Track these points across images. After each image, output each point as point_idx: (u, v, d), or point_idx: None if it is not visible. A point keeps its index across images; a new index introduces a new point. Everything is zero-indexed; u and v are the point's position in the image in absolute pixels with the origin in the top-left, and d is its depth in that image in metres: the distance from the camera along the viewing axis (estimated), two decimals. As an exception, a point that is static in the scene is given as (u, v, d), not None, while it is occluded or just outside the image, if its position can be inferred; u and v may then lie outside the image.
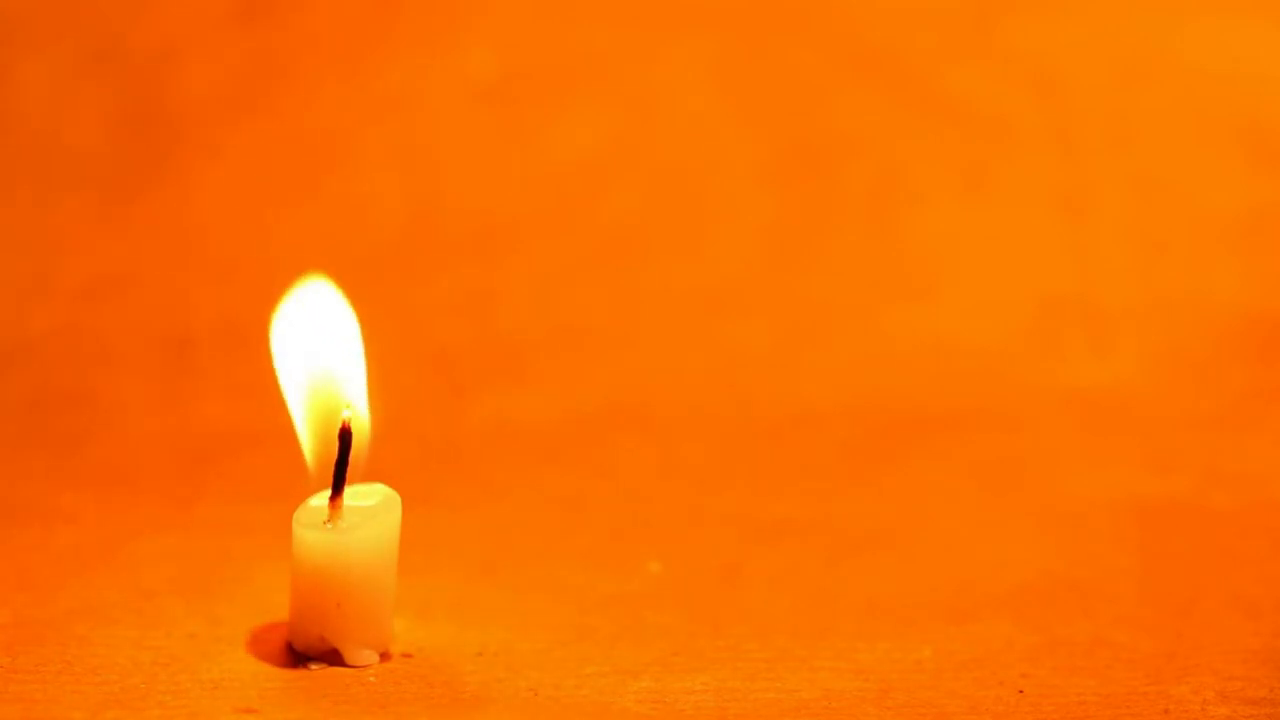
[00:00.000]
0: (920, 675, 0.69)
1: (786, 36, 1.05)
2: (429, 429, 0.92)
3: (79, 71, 1.02)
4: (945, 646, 0.71)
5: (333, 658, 0.69)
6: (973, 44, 1.05)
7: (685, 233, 1.02)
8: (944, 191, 1.03)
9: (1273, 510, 0.85)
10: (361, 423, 0.70)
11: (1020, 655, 0.71)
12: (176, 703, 0.65)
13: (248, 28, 1.03)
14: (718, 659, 0.70)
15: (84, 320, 0.97)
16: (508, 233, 1.01)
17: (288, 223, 1.00)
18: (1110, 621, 0.74)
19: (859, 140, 1.04)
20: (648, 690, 0.68)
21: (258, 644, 0.70)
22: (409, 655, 0.70)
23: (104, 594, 0.73)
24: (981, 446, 0.91)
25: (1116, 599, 0.76)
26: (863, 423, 0.94)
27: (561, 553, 0.80)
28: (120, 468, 0.88)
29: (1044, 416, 0.94)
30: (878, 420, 0.94)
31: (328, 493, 0.69)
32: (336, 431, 0.69)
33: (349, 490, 0.69)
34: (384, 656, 0.69)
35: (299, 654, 0.69)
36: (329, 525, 0.68)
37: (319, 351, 0.70)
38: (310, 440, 0.70)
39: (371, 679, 0.68)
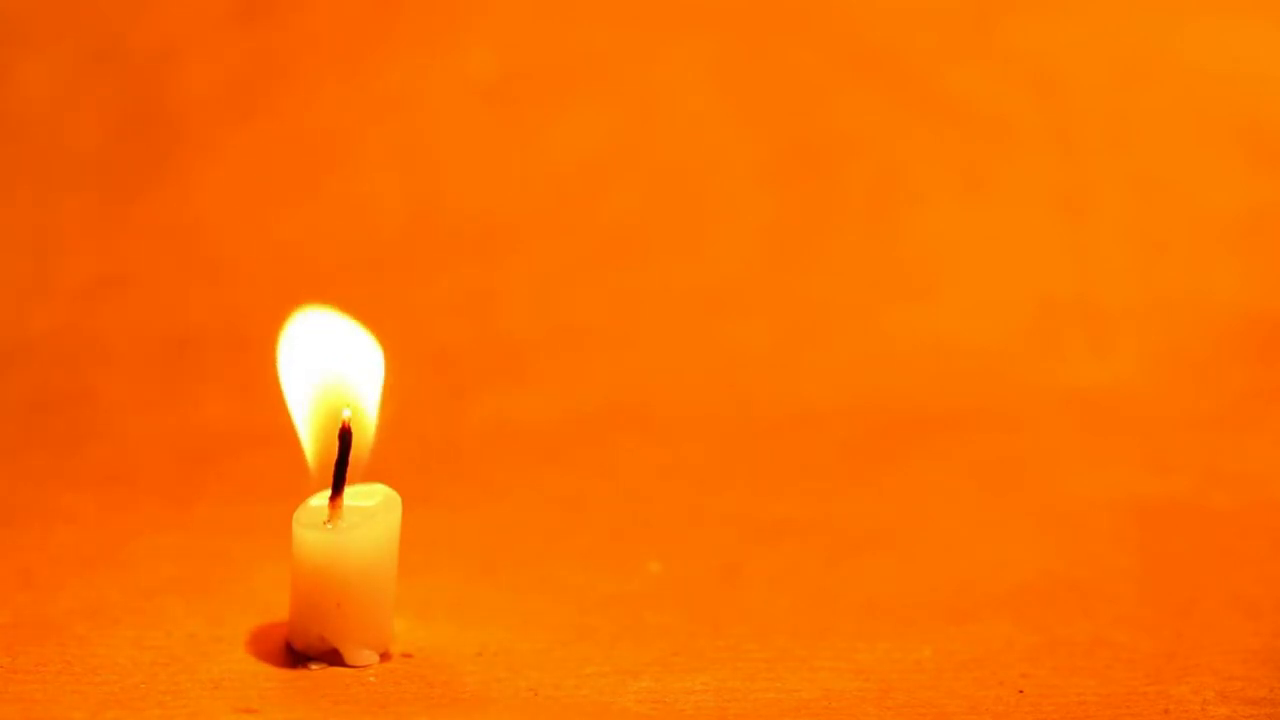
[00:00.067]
0: (920, 675, 0.69)
1: (786, 36, 1.05)
2: (429, 429, 0.92)
3: (79, 71, 1.02)
4: (945, 646, 0.71)
5: (333, 658, 0.69)
6: (973, 44, 1.05)
7: (685, 233, 1.02)
8: (944, 191, 1.03)
9: (1273, 510, 0.85)
10: (365, 425, 0.70)
11: (1020, 655, 0.71)
12: (176, 703, 0.65)
13: (248, 28, 1.03)
14: (718, 659, 0.70)
15: (84, 320, 0.97)
16: (508, 233, 1.01)
17: (288, 223, 1.00)
18: (1110, 621, 0.74)
19: (859, 140, 1.04)
20: (648, 690, 0.68)
21: (258, 644, 0.70)
22: (409, 655, 0.70)
23: (104, 594, 0.73)
24: (981, 446, 0.91)
25: (1116, 599, 0.76)
26: (863, 423, 0.94)
27: (561, 553, 0.80)
28: (120, 468, 0.88)
29: (1044, 416, 0.94)
30: (878, 420, 0.94)
31: (328, 493, 0.69)
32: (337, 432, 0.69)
33: (349, 490, 0.69)
34: (384, 656, 0.69)
35: (299, 654, 0.69)
36: (329, 525, 0.68)
37: (327, 353, 0.70)
38: (311, 440, 0.70)
39: (371, 679, 0.68)
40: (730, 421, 0.94)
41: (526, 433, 0.92)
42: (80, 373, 0.94)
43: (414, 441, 0.90)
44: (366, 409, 0.70)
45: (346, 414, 0.69)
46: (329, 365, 0.70)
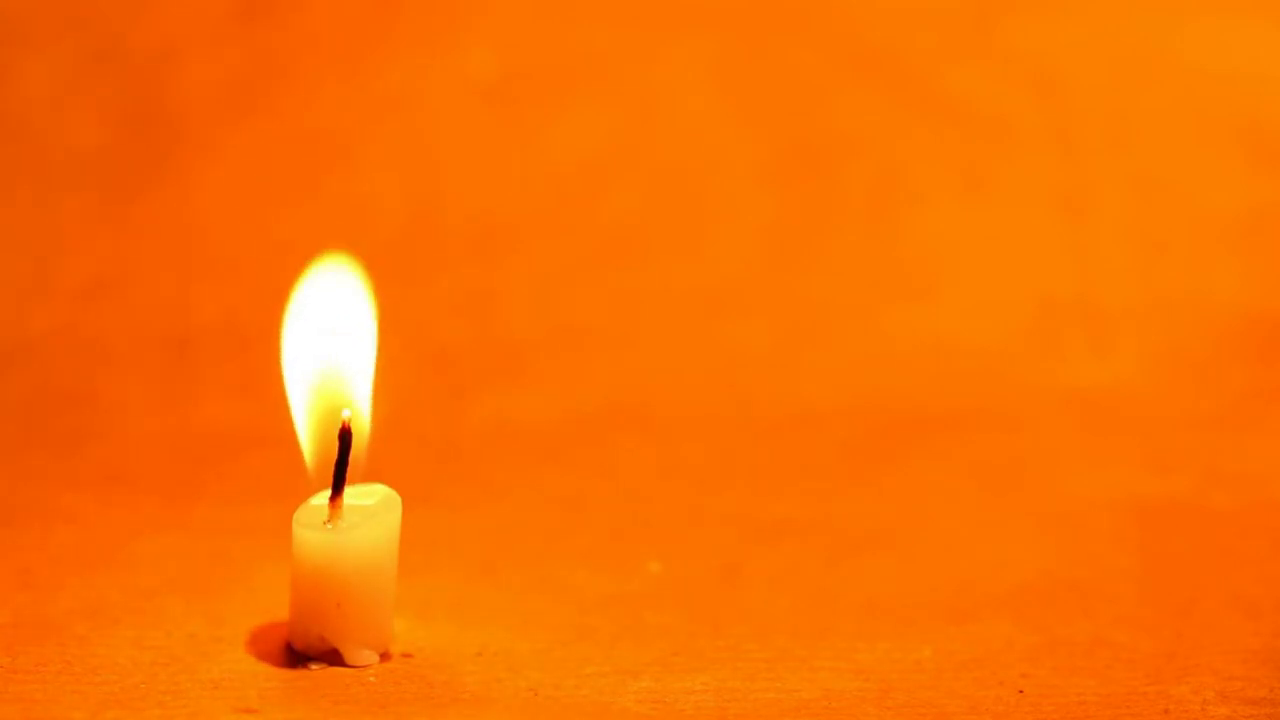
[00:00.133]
0: (920, 675, 0.69)
1: (786, 36, 1.05)
2: (429, 429, 0.92)
3: (79, 71, 1.02)
4: (945, 646, 0.71)
5: (333, 658, 0.69)
6: (973, 44, 1.05)
7: (685, 233, 1.02)
8: (944, 191, 1.03)
9: (1273, 510, 0.85)
10: (361, 422, 0.70)
11: (1020, 655, 0.71)
12: (176, 703, 0.65)
13: (248, 28, 1.03)
14: (718, 659, 0.70)
15: (84, 320, 0.97)
16: (508, 233, 1.01)
17: (288, 223, 1.00)
18: (1110, 621, 0.74)
19: (859, 140, 1.04)
20: (648, 690, 0.68)
21: (258, 644, 0.70)
22: (409, 655, 0.70)
23: (104, 594, 0.73)
24: (981, 446, 0.91)
25: (1116, 599, 0.76)
26: (863, 423, 0.94)
27: (561, 553, 0.80)
28: (120, 468, 0.88)
29: (1044, 416, 0.94)
30: (878, 420, 0.94)
31: (328, 493, 0.69)
32: (336, 432, 0.69)
33: (349, 490, 0.69)
34: (384, 656, 0.69)
35: (299, 654, 0.69)
36: (329, 525, 0.68)
37: (327, 347, 0.70)
38: (310, 441, 0.70)
39: (371, 679, 0.68)
40: (730, 421, 0.94)
41: (526, 433, 0.92)
42: (80, 373, 0.94)
43: (414, 441, 0.90)
44: (360, 403, 0.70)
45: (346, 414, 0.69)
46: (325, 358, 0.70)
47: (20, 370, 0.95)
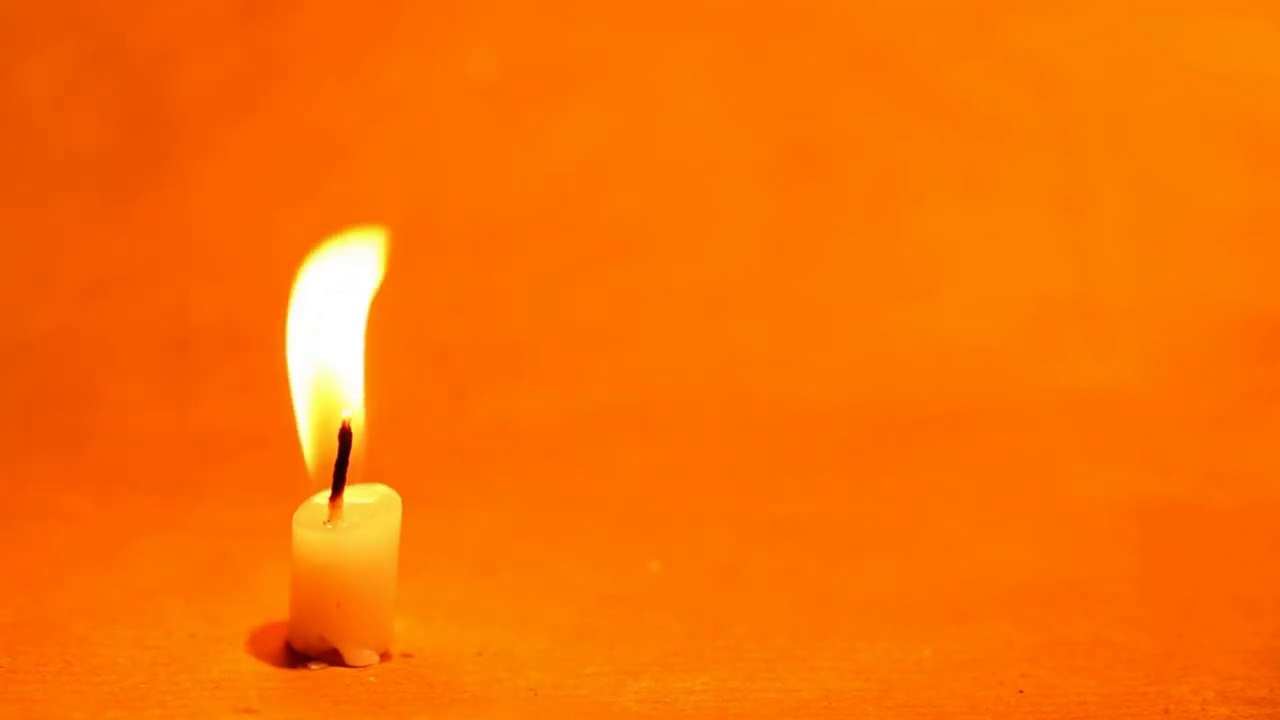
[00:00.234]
0: (920, 675, 0.69)
1: (786, 36, 1.05)
2: (429, 429, 0.92)
3: (79, 71, 1.02)
4: (945, 646, 0.71)
5: (333, 658, 0.69)
6: (973, 44, 1.05)
7: (685, 233, 1.02)
8: (944, 191, 1.03)
9: (1273, 510, 0.85)
10: (359, 422, 0.70)
11: (1020, 655, 0.71)
12: (176, 703, 0.65)
13: (248, 28, 1.03)
14: (718, 659, 0.70)
15: (84, 320, 0.97)
16: (508, 232, 1.01)
17: (288, 223, 1.00)
18: (1110, 621, 0.74)
19: (859, 140, 1.04)
20: (648, 690, 0.68)
21: (258, 644, 0.70)
22: (409, 655, 0.70)
23: (104, 594, 0.73)
24: (981, 446, 0.91)
25: (1116, 599, 0.76)
26: (863, 423, 0.94)
27: (561, 553, 0.80)
28: (120, 468, 0.88)
29: (1044, 416, 0.94)
30: (878, 420, 0.94)
31: (328, 492, 0.69)
32: (336, 432, 0.69)
33: (349, 490, 0.69)
34: (384, 656, 0.69)
35: (299, 654, 0.69)
36: (329, 525, 0.68)
37: (323, 346, 0.70)
38: (310, 441, 0.70)
39: (371, 679, 0.68)
40: (730, 421, 0.94)
41: (526, 433, 0.92)
42: (80, 373, 0.94)
43: (414, 441, 0.90)
44: (355, 401, 0.70)
45: (346, 414, 0.69)
46: (322, 357, 0.70)
47: (20, 370, 0.95)
